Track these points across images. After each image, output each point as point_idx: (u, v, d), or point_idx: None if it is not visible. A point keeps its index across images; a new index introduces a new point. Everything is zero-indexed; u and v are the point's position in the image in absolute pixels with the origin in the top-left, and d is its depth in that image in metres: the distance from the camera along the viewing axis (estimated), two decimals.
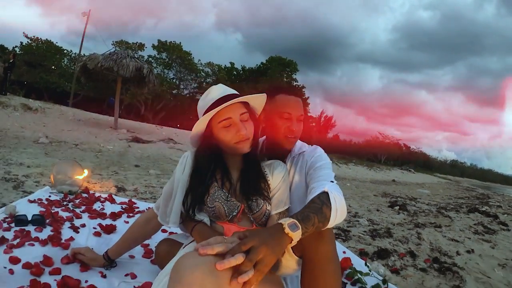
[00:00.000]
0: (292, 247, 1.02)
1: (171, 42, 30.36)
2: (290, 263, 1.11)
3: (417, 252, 2.64)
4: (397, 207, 5.50)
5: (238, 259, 0.78)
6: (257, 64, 33.77)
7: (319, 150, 1.44)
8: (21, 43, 29.26)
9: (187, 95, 30.61)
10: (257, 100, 1.25)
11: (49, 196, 2.43)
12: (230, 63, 34.17)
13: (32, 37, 29.73)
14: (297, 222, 0.91)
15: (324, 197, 1.05)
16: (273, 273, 1.12)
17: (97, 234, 1.82)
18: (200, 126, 1.19)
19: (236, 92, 1.24)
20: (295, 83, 32.37)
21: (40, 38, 30.25)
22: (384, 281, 1.71)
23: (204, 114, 1.18)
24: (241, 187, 1.24)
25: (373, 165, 23.17)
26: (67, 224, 1.88)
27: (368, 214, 4.50)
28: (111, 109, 16.51)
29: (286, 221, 0.90)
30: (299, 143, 1.50)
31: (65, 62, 32.01)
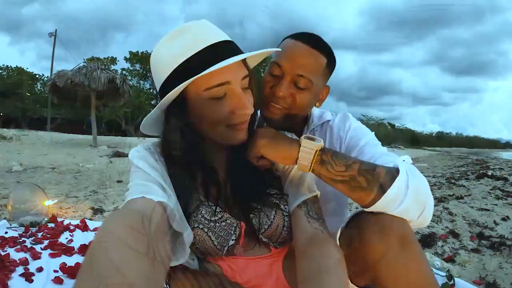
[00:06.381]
0: (355, 271, 0.66)
1: (143, 52, 29.67)
2: None
3: (457, 231, 2.27)
4: None
5: None
6: None
7: (352, 119, 1.00)
8: None
9: None
10: (262, 56, 0.77)
11: (6, 232, 1.94)
12: None
13: (2, 66, 28.86)
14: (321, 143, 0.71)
15: (390, 167, 0.70)
16: None
17: (57, 280, 1.34)
18: (171, 96, 0.67)
19: (229, 38, 0.72)
20: None
21: (10, 66, 29.41)
22: (450, 277, 1.34)
23: (176, 73, 0.67)
24: (233, 194, 0.77)
25: None
26: (20, 269, 1.41)
27: None
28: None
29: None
30: (316, 110, 1.06)
31: (38, 87, 31.21)
